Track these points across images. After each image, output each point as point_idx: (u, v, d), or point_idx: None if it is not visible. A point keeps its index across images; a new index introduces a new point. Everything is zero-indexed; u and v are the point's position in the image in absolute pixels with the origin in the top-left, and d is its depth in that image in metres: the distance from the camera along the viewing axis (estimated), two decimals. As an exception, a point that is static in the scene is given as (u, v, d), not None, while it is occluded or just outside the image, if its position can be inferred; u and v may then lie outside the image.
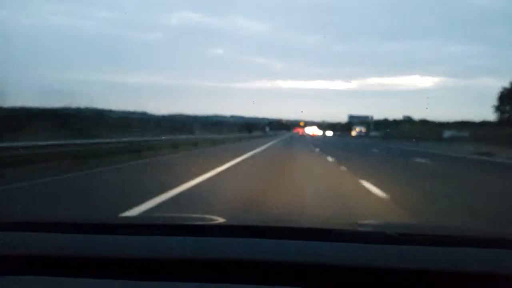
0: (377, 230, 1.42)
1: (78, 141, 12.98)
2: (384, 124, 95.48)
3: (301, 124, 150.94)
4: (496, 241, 1.31)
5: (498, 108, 48.18)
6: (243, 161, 14.00)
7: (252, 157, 16.42)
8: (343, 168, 11.96)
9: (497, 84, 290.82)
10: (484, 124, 49.82)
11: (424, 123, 76.36)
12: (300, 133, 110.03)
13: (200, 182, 8.05)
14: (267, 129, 78.41)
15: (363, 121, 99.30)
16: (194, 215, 2.74)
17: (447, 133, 47.84)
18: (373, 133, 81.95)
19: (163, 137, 21.26)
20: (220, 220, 1.59)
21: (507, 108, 47.62)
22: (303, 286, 1.03)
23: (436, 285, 1.05)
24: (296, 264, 1.10)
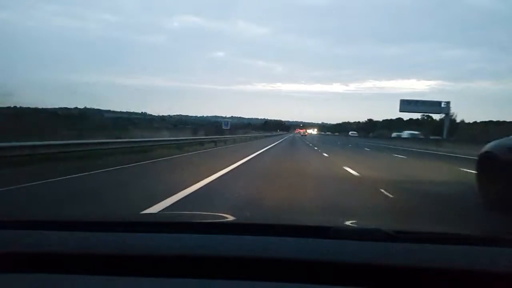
0: (375, 228, 1.39)
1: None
2: (401, 124, 78.67)
3: (301, 125, 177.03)
4: (492, 240, 1.33)
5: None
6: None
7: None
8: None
9: (494, 88, 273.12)
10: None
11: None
12: (302, 133, 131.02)
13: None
14: (226, 125, 38.44)
15: (429, 110, 56.74)
16: (197, 213, 2.87)
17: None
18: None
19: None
20: (222, 218, 1.67)
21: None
22: (302, 282, 1.04)
23: (432, 282, 1.06)
24: (295, 260, 1.11)
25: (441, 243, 1.23)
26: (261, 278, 1.05)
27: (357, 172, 9.79)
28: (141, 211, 4.40)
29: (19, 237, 1.24)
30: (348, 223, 1.62)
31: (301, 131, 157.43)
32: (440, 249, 1.18)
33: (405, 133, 56.41)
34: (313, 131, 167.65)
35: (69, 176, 7.88)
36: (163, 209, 4.72)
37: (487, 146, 5.60)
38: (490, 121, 72.62)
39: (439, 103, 55.12)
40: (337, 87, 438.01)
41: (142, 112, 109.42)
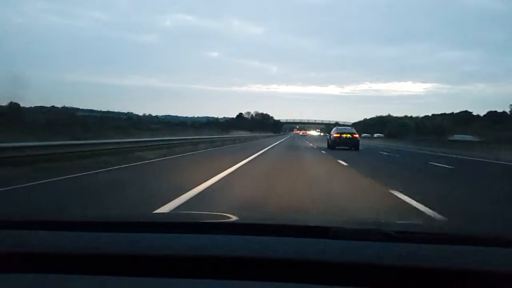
0: (375, 228, 1.42)
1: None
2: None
3: (297, 127, 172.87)
4: (493, 240, 1.33)
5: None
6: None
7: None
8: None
9: (490, 90, 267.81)
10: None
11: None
12: (301, 134, 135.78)
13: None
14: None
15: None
16: (195, 212, 2.92)
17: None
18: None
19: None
20: (221, 218, 1.67)
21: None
22: (302, 282, 1.05)
23: (431, 282, 1.07)
24: (295, 260, 1.12)
25: (441, 243, 1.24)
26: (261, 278, 1.06)
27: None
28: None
29: (19, 237, 1.25)
30: (348, 223, 1.66)
31: (301, 132, 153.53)
32: (440, 249, 1.19)
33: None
34: (316, 132, 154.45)
35: None
36: None
37: (328, 135, 31.15)
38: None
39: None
40: (332, 89, 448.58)
41: (127, 112, 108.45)
